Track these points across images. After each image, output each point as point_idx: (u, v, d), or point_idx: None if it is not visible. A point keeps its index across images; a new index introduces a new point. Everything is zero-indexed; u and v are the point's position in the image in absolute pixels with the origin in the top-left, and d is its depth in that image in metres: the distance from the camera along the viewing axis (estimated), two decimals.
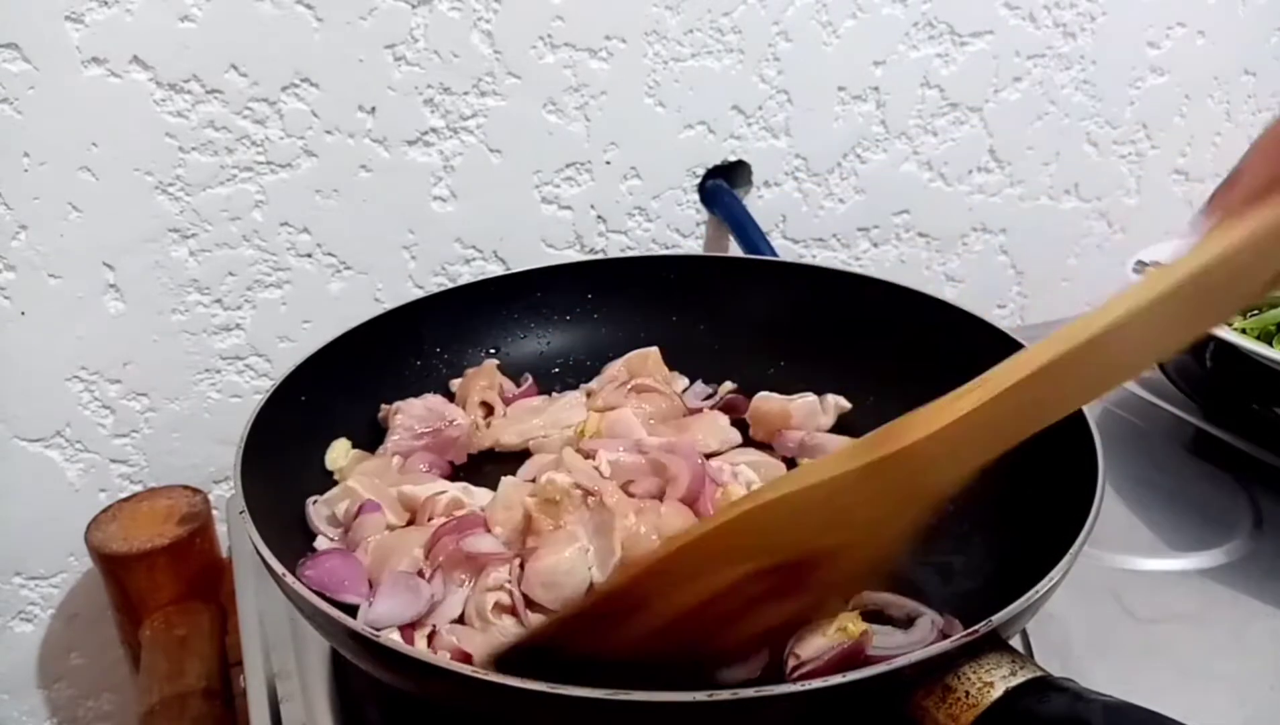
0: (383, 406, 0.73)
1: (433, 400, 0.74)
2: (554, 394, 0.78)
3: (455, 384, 0.77)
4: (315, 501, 0.66)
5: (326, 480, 0.68)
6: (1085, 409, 0.61)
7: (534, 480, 0.64)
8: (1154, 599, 0.66)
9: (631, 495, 0.61)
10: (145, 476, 0.89)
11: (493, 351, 0.80)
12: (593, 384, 0.78)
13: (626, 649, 0.46)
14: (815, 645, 0.50)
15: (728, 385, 0.78)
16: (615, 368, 0.78)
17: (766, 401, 0.74)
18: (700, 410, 0.76)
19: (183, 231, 0.82)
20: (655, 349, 0.79)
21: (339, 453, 0.70)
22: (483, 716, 0.48)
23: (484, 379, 0.76)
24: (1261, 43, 1.18)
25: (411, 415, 0.72)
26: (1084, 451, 0.57)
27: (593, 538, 0.58)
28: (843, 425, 0.74)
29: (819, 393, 0.75)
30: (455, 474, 0.72)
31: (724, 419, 0.73)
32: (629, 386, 0.75)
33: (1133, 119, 1.14)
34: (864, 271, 1.07)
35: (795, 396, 0.74)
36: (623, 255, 0.97)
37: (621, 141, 0.93)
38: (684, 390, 0.78)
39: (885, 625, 0.55)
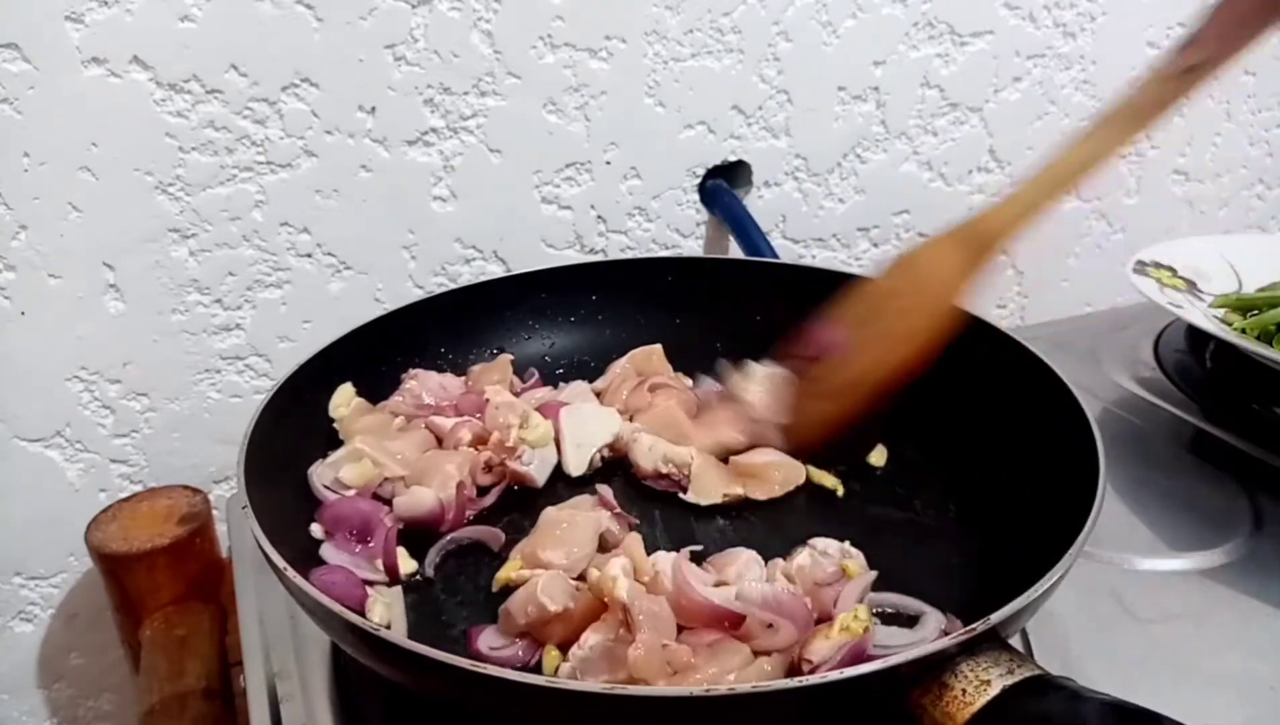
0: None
1: (451, 381, 0.76)
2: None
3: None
4: (319, 464, 0.67)
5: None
6: (1085, 409, 0.61)
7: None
8: (1154, 599, 0.66)
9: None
10: (145, 476, 0.89)
11: (497, 352, 0.80)
12: (599, 383, 0.78)
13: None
14: (823, 649, 0.50)
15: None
16: (620, 366, 0.78)
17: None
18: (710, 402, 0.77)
19: (183, 231, 0.82)
20: (658, 346, 0.80)
21: (342, 399, 0.71)
22: (482, 712, 0.48)
23: (496, 373, 0.77)
24: (1261, 42, 1.18)
25: (424, 385, 0.74)
26: (1085, 452, 0.57)
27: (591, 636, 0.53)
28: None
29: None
30: None
31: None
32: (646, 386, 0.76)
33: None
34: (864, 272, 1.07)
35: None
36: (626, 256, 0.97)
37: (621, 141, 0.93)
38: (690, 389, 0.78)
39: (891, 625, 0.55)
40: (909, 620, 0.56)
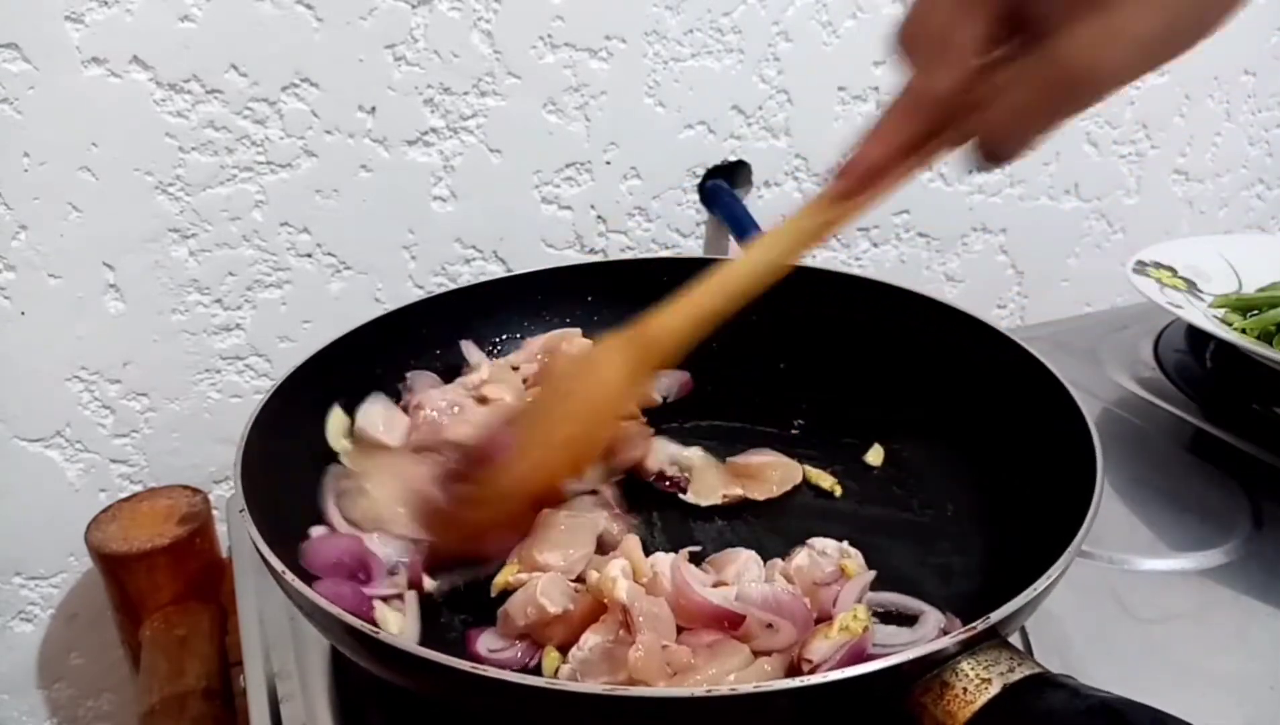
0: (404, 395, 0.73)
1: (453, 392, 0.73)
2: None
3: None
4: (332, 498, 0.65)
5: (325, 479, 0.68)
6: (1084, 408, 0.61)
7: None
8: (1154, 599, 0.66)
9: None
10: (145, 476, 0.89)
11: (492, 352, 0.80)
12: (513, 357, 0.78)
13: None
14: (823, 649, 0.50)
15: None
16: (536, 343, 0.79)
17: None
18: None
19: (183, 231, 0.82)
20: (577, 329, 0.80)
21: (339, 428, 0.70)
22: (481, 713, 0.48)
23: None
24: (1261, 43, 1.18)
25: (436, 408, 0.70)
26: (1083, 451, 0.57)
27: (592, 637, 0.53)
28: (841, 428, 0.74)
29: (822, 396, 0.75)
30: None
31: None
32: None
33: (1133, 119, 1.14)
34: (864, 272, 1.07)
35: None
36: (623, 257, 0.97)
37: (621, 141, 0.93)
38: None
39: (890, 625, 0.56)
40: (908, 619, 0.56)
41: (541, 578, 0.56)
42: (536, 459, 0.59)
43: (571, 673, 0.51)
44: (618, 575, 0.53)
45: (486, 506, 0.59)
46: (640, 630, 0.50)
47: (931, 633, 0.54)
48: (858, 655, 0.50)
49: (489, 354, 0.80)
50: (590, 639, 0.52)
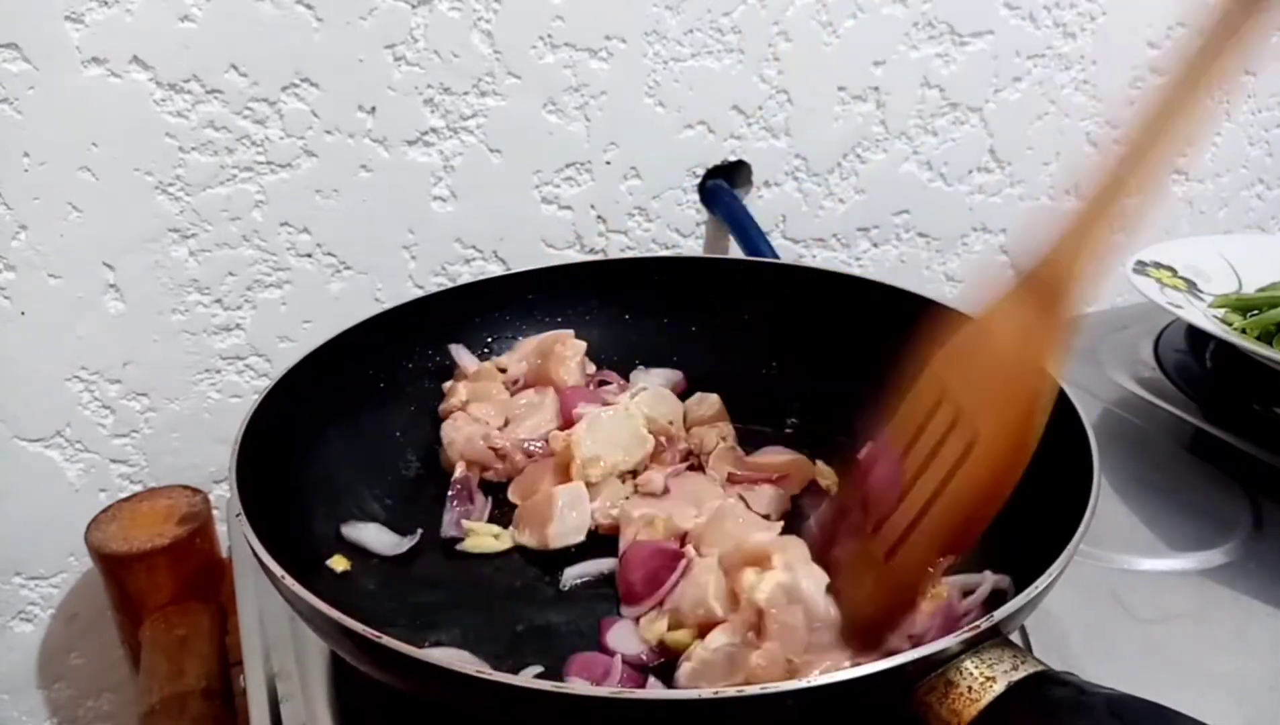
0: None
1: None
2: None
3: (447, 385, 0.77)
4: None
5: (324, 481, 0.68)
6: (1081, 408, 0.60)
7: None
8: (1154, 599, 0.66)
9: None
10: (145, 476, 0.89)
11: (486, 353, 0.80)
12: (503, 358, 0.78)
13: None
14: (920, 622, 0.51)
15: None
16: (529, 344, 0.79)
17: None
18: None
19: (183, 231, 0.82)
20: (569, 331, 0.79)
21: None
22: (482, 716, 0.48)
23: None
24: (1261, 43, 1.18)
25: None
26: (1079, 449, 0.58)
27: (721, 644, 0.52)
28: (836, 426, 0.74)
29: (816, 396, 0.76)
30: None
31: None
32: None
33: (1133, 119, 1.14)
34: (864, 273, 1.07)
35: None
36: (622, 256, 0.97)
37: (621, 141, 0.93)
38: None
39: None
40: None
41: (711, 579, 0.55)
42: (954, 478, 0.44)
43: (692, 671, 0.51)
44: (772, 586, 0.50)
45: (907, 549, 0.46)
46: (770, 638, 0.49)
47: (986, 593, 0.54)
48: (950, 619, 0.51)
49: (481, 355, 0.79)
50: (717, 638, 0.51)
